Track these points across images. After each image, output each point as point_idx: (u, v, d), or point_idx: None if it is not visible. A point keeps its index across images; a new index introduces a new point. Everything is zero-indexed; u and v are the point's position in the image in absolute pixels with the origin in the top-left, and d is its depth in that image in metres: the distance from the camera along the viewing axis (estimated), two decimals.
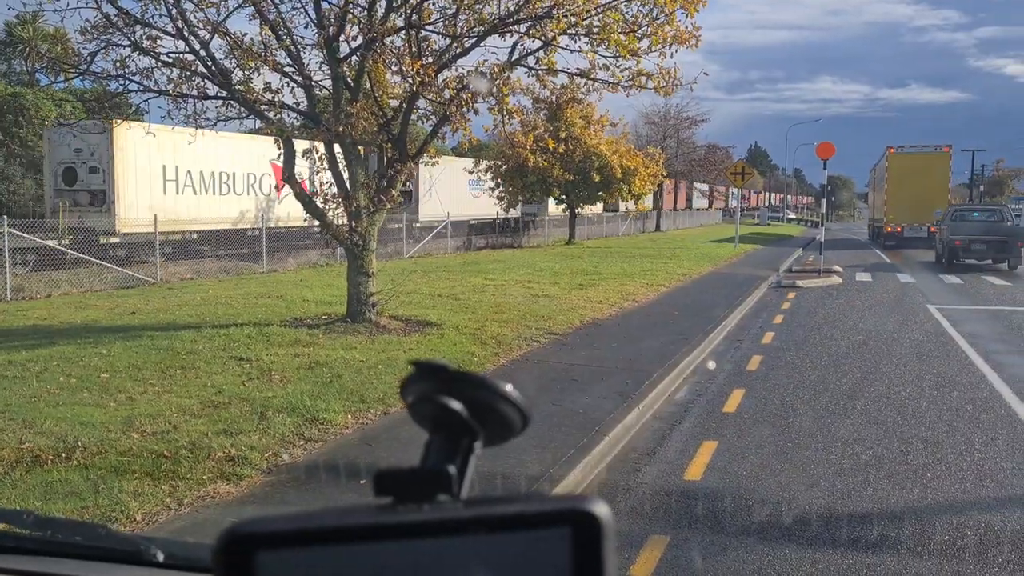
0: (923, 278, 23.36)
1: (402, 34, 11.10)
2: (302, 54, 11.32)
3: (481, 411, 0.74)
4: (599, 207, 40.29)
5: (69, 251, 17.42)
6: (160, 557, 1.70)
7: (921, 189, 34.57)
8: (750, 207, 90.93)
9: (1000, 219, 26.78)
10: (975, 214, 27.83)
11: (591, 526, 0.63)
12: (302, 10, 11.29)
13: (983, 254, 25.57)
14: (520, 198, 33.82)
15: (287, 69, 11.28)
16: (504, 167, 32.23)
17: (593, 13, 10.77)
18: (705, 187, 69.02)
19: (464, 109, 11.02)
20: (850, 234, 59.08)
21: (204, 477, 5.54)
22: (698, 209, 68.10)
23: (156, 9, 10.67)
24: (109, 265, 17.49)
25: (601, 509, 0.63)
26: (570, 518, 0.63)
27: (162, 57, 10.89)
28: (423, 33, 11.20)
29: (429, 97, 11.33)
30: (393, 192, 11.62)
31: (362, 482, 5.68)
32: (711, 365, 10.67)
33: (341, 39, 11.06)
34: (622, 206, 40.52)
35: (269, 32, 11.06)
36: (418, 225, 29.30)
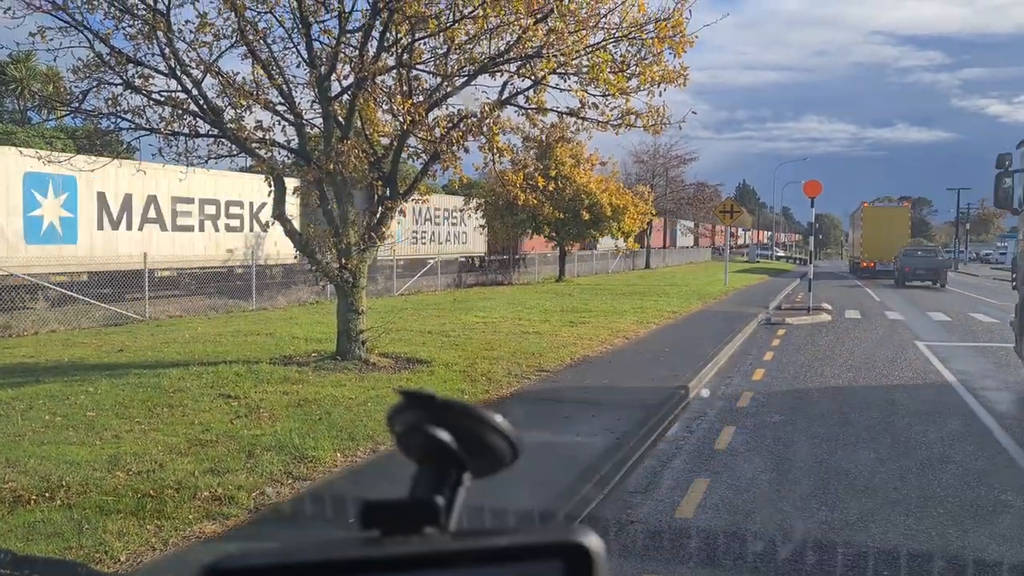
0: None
1: (393, 73, 11.20)
2: (294, 93, 11.41)
3: (470, 442, 0.72)
4: (604, 242, 40.40)
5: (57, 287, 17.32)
6: None
7: (888, 234, 43.89)
8: (739, 245, 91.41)
9: (935, 255, 40.28)
10: (919, 252, 40.40)
11: (583, 559, 0.61)
12: (294, 49, 11.40)
13: (923, 277, 37.79)
14: (510, 235, 33.93)
15: (278, 107, 11.35)
16: (493, 204, 32.36)
17: (582, 53, 10.90)
18: (690, 223, 69.22)
19: (455, 147, 11.09)
20: (835, 269, 63.72)
21: (190, 517, 5.46)
22: (682, 247, 68.33)
23: (149, 48, 10.73)
24: (95, 302, 17.38)
25: (593, 541, 0.61)
26: (561, 551, 0.61)
27: (154, 95, 10.93)
28: (414, 72, 11.30)
29: (420, 135, 11.41)
30: (384, 230, 11.64)
31: (351, 521, 5.59)
32: (704, 393, 10.87)
33: (332, 78, 11.16)
34: (601, 245, 40.60)
35: (261, 71, 11.15)
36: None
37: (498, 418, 0.72)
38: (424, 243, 30.55)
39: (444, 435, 0.71)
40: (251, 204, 22.95)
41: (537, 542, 0.63)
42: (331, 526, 5.56)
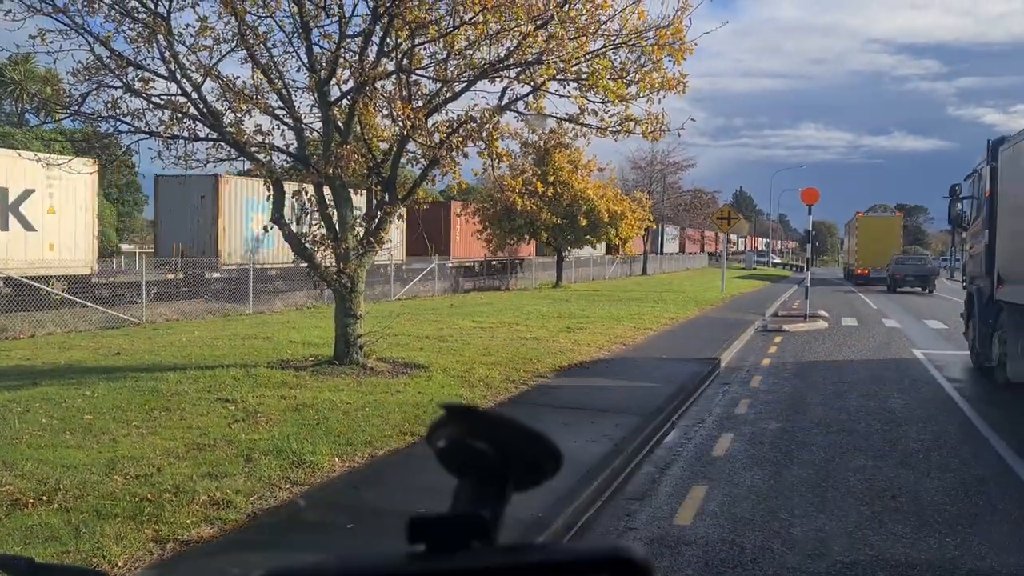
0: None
1: (393, 78, 11.21)
2: (293, 97, 11.42)
3: (512, 454, 0.72)
4: (586, 250, 40.39)
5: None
6: None
7: (881, 242, 46.20)
8: (735, 251, 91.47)
9: (924, 263, 43.41)
10: (909, 260, 43.77)
11: (633, 574, 0.61)
12: (294, 54, 11.41)
13: (913, 283, 40.49)
14: (508, 241, 33.96)
15: (278, 111, 11.36)
16: (492, 210, 32.38)
17: (582, 59, 10.92)
18: (675, 230, 68.87)
19: (454, 152, 11.10)
20: (831, 276, 64.35)
21: (188, 521, 5.44)
22: (676, 253, 68.26)
23: (149, 52, 10.74)
24: (93, 305, 17.35)
25: (643, 556, 0.61)
26: (611, 566, 0.61)
27: (154, 99, 10.94)
28: (414, 77, 11.31)
29: (419, 140, 11.41)
30: (382, 234, 11.64)
31: (349, 526, 5.59)
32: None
33: (332, 83, 11.17)
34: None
35: (261, 75, 11.15)
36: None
37: (540, 430, 0.72)
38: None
39: (486, 447, 0.71)
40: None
41: (586, 556, 0.62)
42: (330, 532, 5.55)
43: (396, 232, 31.91)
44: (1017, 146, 11.60)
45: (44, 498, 5.70)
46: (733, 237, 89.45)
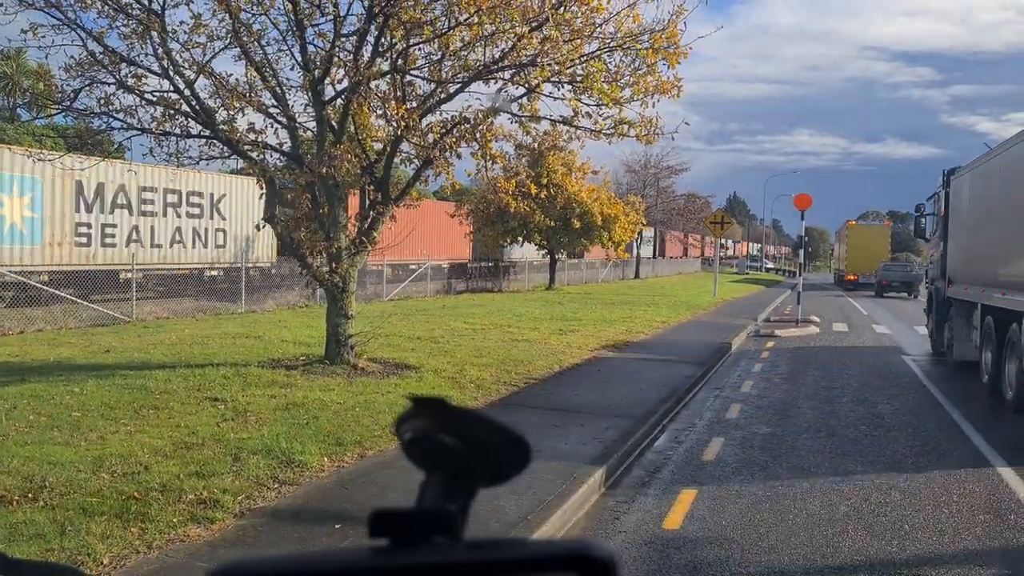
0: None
1: (387, 78, 11.19)
2: (287, 95, 11.38)
3: (481, 449, 0.70)
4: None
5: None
6: None
7: (870, 250, 48.48)
8: (728, 256, 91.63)
9: (909, 269, 45.37)
10: (895, 266, 46.10)
11: (600, 573, 0.59)
12: (288, 52, 11.38)
13: (899, 288, 43.20)
14: (501, 243, 33.94)
15: (271, 110, 11.32)
16: (484, 211, 32.34)
17: (577, 62, 10.91)
18: (649, 233, 68.83)
19: (447, 153, 11.08)
20: (822, 281, 66.18)
21: (175, 520, 5.42)
22: (671, 257, 68.30)
23: (142, 48, 10.69)
24: (83, 302, 17.27)
25: (608, 554, 0.60)
26: (578, 564, 0.60)
27: (146, 95, 10.89)
28: (408, 78, 11.29)
29: (413, 141, 11.39)
30: (375, 234, 11.61)
31: (337, 527, 5.57)
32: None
33: (326, 82, 11.14)
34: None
35: (255, 73, 11.11)
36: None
37: (509, 425, 0.70)
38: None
39: (454, 442, 0.70)
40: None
41: (552, 554, 0.61)
42: (318, 532, 5.53)
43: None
44: (961, 178, 14.48)
45: (30, 495, 5.67)
46: (727, 242, 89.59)
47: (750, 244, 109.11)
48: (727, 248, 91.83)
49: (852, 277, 49.41)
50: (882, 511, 6.60)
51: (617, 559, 0.59)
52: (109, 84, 10.76)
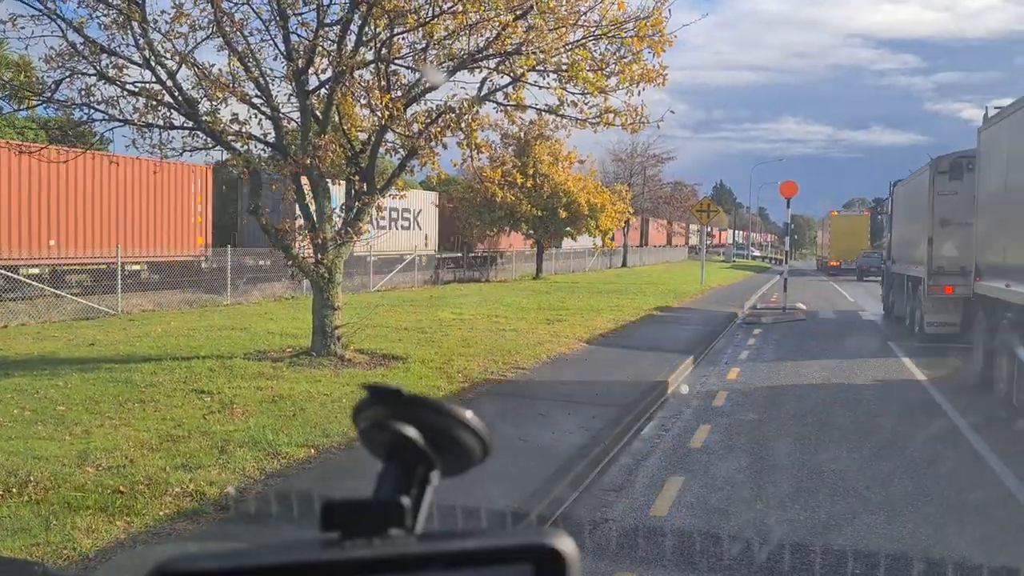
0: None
1: (371, 68, 11.12)
2: (271, 86, 11.30)
3: (439, 439, 0.69)
4: (566, 242, 40.38)
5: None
6: None
7: (851, 238, 51.78)
8: (715, 244, 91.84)
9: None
10: (874, 254, 46.53)
11: (555, 563, 0.58)
12: (271, 42, 11.28)
13: (876, 273, 42.97)
14: (488, 232, 33.89)
15: (255, 100, 11.23)
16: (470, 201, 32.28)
17: (562, 50, 10.88)
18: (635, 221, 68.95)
19: (433, 143, 11.04)
20: (807, 267, 68.88)
21: (160, 513, 5.39)
22: (656, 245, 68.41)
23: (123, 39, 10.58)
24: (68, 295, 17.14)
25: (566, 544, 0.59)
26: (533, 554, 0.58)
27: (128, 86, 10.78)
28: (392, 67, 11.23)
29: (398, 131, 11.34)
30: (360, 225, 11.57)
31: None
32: (684, 389, 11.18)
33: (310, 72, 11.06)
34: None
35: (237, 63, 11.02)
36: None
37: (468, 414, 0.69)
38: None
39: (411, 432, 0.68)
40: None
41: (507, 545, 0.60)
42: (302, 524, 5.51)
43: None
44: (898, 188, 20.48)
45: (14, 490, 5.63)
46: (714, 229, 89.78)
47: (735, 232, 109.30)
48: (714, 236, 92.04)
49: (834, 263, 53.42)
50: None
51: (575, 550, 0.58)
52: (90, 75, 10.65)
